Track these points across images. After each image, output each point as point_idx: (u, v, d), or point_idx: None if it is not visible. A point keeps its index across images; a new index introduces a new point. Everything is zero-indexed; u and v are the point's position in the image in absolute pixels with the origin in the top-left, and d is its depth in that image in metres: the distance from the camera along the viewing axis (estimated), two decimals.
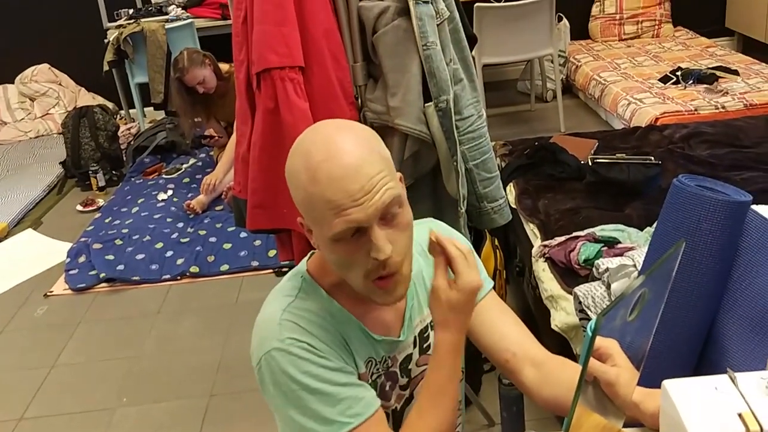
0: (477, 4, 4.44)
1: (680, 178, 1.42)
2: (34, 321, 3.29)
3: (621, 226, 2.41)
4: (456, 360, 1.12)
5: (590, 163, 2.92)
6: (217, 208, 4.12)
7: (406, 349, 1.22)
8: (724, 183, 1.41)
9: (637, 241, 2.27)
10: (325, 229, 1.03)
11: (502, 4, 4.62)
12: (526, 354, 1.24)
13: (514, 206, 2.78)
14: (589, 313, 1.97)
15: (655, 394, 1.02)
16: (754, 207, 1.39)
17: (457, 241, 1.10)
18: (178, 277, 3.51)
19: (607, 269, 2.01)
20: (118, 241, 3.77)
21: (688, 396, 0.80)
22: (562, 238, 2.39)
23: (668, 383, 0.82)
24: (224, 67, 4.19)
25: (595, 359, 1.02)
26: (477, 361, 2.40)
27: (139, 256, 3.64)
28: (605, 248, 2.23)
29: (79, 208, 4.39)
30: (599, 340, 1.01)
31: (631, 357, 1.01)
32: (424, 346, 1.25)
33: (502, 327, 1.27)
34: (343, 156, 1.01)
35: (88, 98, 5.81)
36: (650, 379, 1.04)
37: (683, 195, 1.37)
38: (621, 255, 2.12)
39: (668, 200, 1.42)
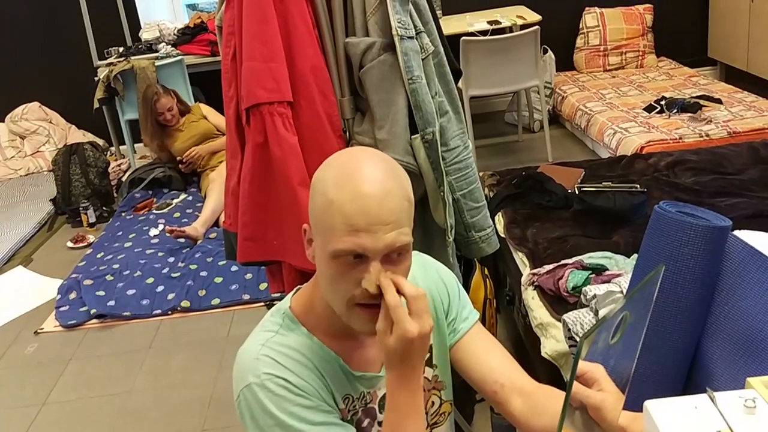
0: (463, 38, 4.51)
1: (661, 204, 1.45)
2: (25, 359, 3.27)
3: (608, 254, 2.43)
4: (409, 398, 1.08)
5: (577, 192, 2.95)
6: (211, 236, 4.14)
7: None
8: (704, 209, 1.43)
9: (624, 268, 2.30)
10: (330, 242, 1.03)
11: (488, 37, 4.70)
12: (513, 385, 1.24)
13: (502, 235, 2.80)
14: (577, 339, 1.98)
15: (641, 418, 1.03)
16: (734, 232, 1.42)
17: (406, 284, 1.04)
18: (169, 312, 3.51)
19: (594, 296, 2.03)
20: (109, 277, 3.77)
21: (669, 416, 0.81)
22: (551, 266, 2.41)
23: (650, 404, 0.84)
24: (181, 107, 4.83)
25: (581, 384, 1.03)
26: (469, 391, 2.39)
27: (130, 292, 3.64)
28: (593, 275, 2.25)
29: (70, 244, 4.39)
30: (585, 365, 1.03)
31: (616, 380, 1.02)
32: None
33: (489, 359, 1.27)
34: (375, 180, 1.03)
35: (78, 135, 5.84)
36: (637, 404, 1.05)
37: (664, 221, 1.40)
38: (608, 282, 2.14)
39: (650, 226, 1.45)
